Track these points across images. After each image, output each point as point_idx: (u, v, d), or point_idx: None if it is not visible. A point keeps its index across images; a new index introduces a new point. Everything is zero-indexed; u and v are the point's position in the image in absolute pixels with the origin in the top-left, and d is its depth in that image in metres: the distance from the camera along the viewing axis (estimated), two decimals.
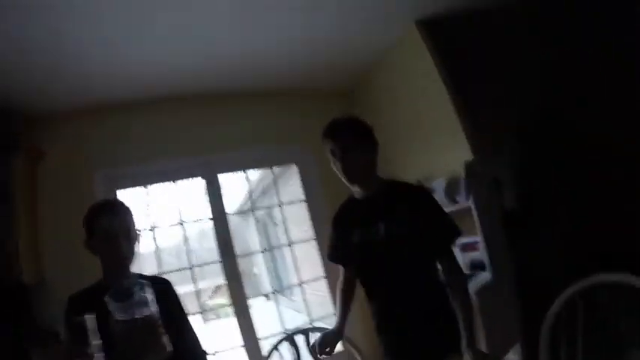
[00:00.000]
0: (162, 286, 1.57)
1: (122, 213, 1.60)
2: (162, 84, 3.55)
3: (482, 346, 2.37)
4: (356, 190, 1.85)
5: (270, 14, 2.85)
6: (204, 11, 2.67)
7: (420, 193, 1.89)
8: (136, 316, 1.03)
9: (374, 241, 1.73)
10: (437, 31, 3.17)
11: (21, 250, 2.83)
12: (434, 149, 3.30)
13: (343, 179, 1.80)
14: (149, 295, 1.09)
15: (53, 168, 3.23)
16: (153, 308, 1.10)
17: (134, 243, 1.62)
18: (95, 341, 0.81)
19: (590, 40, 3.16)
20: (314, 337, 2.09)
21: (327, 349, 1.82)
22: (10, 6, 2.15)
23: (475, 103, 3.08)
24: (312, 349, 1.87)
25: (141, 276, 1.70)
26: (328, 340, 1.86)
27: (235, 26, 2.96)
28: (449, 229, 1.80)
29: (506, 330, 2.45)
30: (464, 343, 1.63)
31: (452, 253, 1.82)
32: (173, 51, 3.11)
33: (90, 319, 0.83)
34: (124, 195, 3.71)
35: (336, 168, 1.79)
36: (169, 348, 1.10)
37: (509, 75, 3.54)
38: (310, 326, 2.69)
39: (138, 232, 1.65)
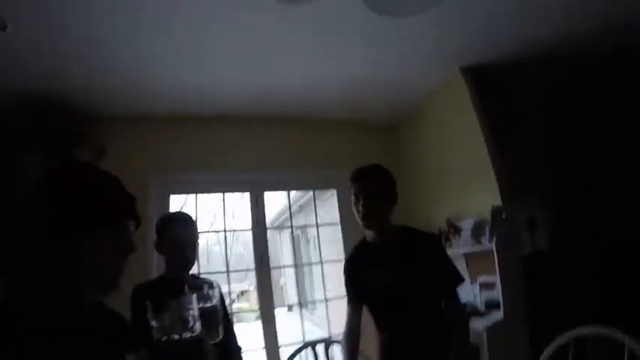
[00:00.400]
0: (217, 287, 1.85)
1: (191, 225, 1.93)
2: (224, 102, 3.93)
3: None
4: (369, 234, 1.99)
5: (332, 49, 3.12)
6: (272, 40, 2.96)
7: (430, 241, 2.03)
8: (206, 306, 1.24)
9: (386, 283, 1.86)
10: (479, 79, 3.36)
11: None
12: (467, 190, 3.47)
13: (360, 222, 1.93)
14: (215, 292, 1.35)
15: (112, 167, 3.48)
16: (215, 302, 1.32)
17: (196, 250, 1.93)
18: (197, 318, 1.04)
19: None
20: (335, 348, 2.29)
21: None
22: (87, 8, 2.46)
23: (509, 150, 3.27)
24: None
25: (194, 276, 2.01)
26: None
27: (299, 58, 3.24)
28: (452, 275, 1.96)
29: None
30: None
31: (455, 294, 1.95)
32: (239, 74, 3.45)
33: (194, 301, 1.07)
34: (176, 200, 4.12)
35: (355, 210, 1.92)
36: (221, 336, 1.37)
37: (546, 125, 3.69)
38: (332, 338, 2.86)
39: (198, 241, 1.96)
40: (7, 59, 2.90)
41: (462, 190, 3.54)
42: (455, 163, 3.64)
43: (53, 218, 0.85)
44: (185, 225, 1.90)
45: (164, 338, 0.92)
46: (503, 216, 2.97)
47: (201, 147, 4.09)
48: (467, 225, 3.26)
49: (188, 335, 0.93)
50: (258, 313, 4.82)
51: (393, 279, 1.85)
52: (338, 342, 2.44)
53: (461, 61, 3.35)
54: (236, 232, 4.57)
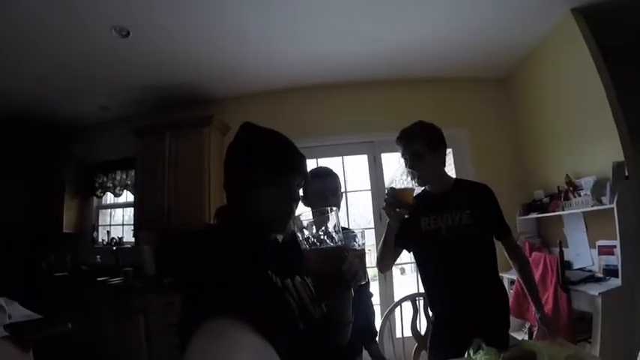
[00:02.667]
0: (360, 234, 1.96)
1: (330, 176, 2.07)
2: (334, 70, 4.16)
3: (596, 347, 2.45)
4: (429, 186, 2.04)
5: (438, 3, 3.08)
6: (372, 7, 3.07)
7: (485, 189, 2.01)
8: (356, 248, 1.17)
9: (440, 229, 1.91)
10: (594, 21, 3.00)
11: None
12: (586, 144, 3.17)
13: (416, 182, 1.98)
14: (360, 237, 1.25)
15: None
16: (362, 247, 1.24)
17: (339, 199, 2.07)
18: None
19: None
20: None
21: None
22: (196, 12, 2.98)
23: (632, 99, 2.89)
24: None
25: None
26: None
27: (403, 16, 3.25)
28: (503, 225, 2.01)
29: (625, 337, 2.42)
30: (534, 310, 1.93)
31: (510, 234, 2.03)
32: (345, 41, 3.59)
33: None
34: None
35: (407, 171, 1.97)
36: (366, 280, 1.46)
37: None
38: None
39: (342, 192, 2.12)
40: (133, 61, 3.63)
41: (580, 145, 3.25)
42: (573, 114, 3.33)
43: (240, 172, 1.15)
44: (326, 176, 2.06)
45: (307, 247, 1.00)
46: (626, 173, 2.68)
47: (317, 114, 4.44)
48: (587, 183, 3.00)
49: (330, 244, 0.99)
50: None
51: (448, 224, 1.91)
52: None
53: (571, 2, 3.02)
54: (350, 194, 4.78)
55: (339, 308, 1.08)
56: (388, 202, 1.76)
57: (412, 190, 1.73)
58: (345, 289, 1.02)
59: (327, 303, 1.06)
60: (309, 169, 1.22)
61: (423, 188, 2.08)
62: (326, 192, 2.00)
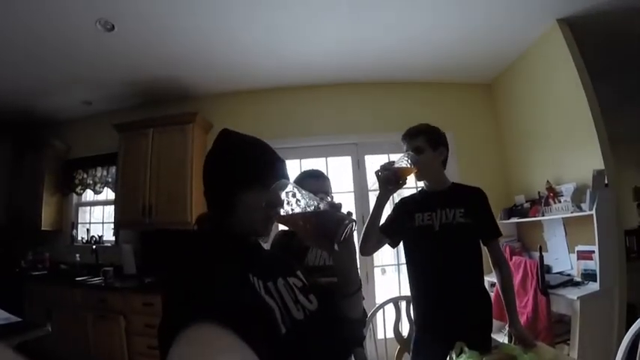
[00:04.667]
0: None
1: (322, 178, 2.11)
2: (320, 71, 4.15)
3: (574, 350, 2.51)
4: (426, 185, 2.11)
5: (426, 9, 3.10)
6: (359, 11, 3.07)
7: (480, 193, 2.08)
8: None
9: (433, 225, 1.97)
10: (580, 31, 3.08)
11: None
12: (567, 152, 3.24)
13: (414, 176, 2.00)
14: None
15: None
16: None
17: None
18: None
19: None
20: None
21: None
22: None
23: (614, 110, 3.01)
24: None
25: None
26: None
27: (391, 21, 3.25)
28: (496, 225, 2.07)
29: (602, 340, 2.50)
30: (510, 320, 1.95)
31: (498, 238, 2.07)
32: (333, 42, 3.58)
33: None
34: None
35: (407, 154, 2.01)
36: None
37: None
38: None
39: (332, 197, 2.06)
40: (117, 56, 3.56)
41: (561, 151, 3.32)
42: (555, 121, 3.39)
43: (220, 179, 1.13)
44: (317, 176, 2.10)
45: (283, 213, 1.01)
46: (606, 181, 2.76)
47: (301, 114, 4.42)
48: (567, 190, 3.07)
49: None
50: None
51: (441, 221, 1.97)
52: None
53: (557, 13, 3.08)
54: (337, 194, 4.76)
55: (343, 270, 1.10)
56: (385, 166, 1.78)
57: (412, 170, 1.75)
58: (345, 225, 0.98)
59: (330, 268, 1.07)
60: (301, 170, 1.21)
61: (421, 188, 2.15)
62: (317, 192, 2.01)
